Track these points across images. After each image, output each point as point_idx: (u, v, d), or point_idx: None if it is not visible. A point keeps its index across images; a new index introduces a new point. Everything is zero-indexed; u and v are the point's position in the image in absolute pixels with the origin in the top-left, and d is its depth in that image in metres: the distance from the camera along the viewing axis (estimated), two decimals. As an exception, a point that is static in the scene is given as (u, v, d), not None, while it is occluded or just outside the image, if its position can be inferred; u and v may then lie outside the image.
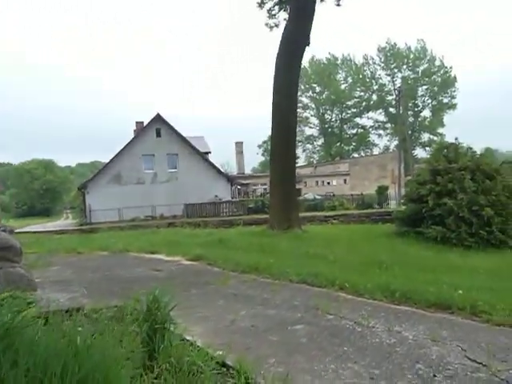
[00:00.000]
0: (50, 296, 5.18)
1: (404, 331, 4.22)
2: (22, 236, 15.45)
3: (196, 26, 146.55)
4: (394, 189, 33.10)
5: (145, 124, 36.63)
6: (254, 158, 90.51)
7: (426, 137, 71.68)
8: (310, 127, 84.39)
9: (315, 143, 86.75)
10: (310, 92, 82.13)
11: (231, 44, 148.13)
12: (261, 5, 14.06)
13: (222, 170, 48.37)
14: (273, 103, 12.79)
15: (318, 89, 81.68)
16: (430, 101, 71.85)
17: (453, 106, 69.05)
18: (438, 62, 69.27)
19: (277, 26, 14.89)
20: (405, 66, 72.39)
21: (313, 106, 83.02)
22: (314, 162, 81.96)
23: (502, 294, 5.23)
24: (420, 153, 70.35)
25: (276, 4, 14.89)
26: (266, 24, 15.05)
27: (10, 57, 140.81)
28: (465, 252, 8.68)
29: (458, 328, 4.33)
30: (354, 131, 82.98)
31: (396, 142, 63.32)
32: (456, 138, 11.45)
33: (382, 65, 75.05)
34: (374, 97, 77.65)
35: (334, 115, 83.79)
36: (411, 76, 71.97)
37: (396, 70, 73.76)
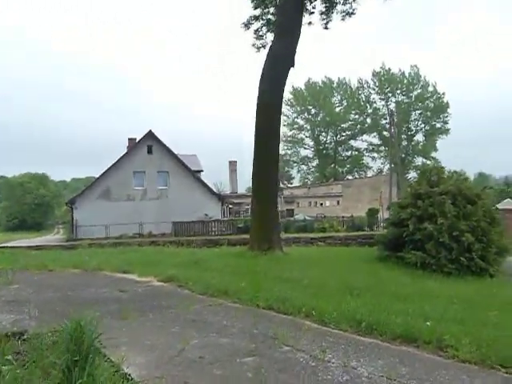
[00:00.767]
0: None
1: (360, 367, 3.90)
2: (-2, 251, 14.99)
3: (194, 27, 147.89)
4: (383, 212, 32.95)
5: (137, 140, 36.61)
6: (250, 177, 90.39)
7: (419, 161, 72.07)
8: (305, 148, 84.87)
9: (310, 164, 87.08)
10: (306, 114, 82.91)
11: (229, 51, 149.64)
12: (247, 25, 14.13)
13: (214, 188, 48.25)
14: (256, 125, 12.67)
15: (313, 111, 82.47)
16: (423, 125, 72.65)
17: (445, 131, 69.79)
18: (431, 88, 70.33)
19: (264, 46, 14.91)
20: (398, 91, 73.43)
21: (308, 127, 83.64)
22: (309, 182, 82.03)
23: (471, 326, 4.93)
24: (414, 176, 70.62)
25: (263, 25, 14.96)
26: (253, 45, 15.07)
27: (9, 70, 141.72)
28: (444, 279, 8.39)
29: (420, 364, 4.01)
30: (349, 153, 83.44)
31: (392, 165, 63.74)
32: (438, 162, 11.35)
33: (377, 89, 76.10)
34: (369, 120, 78.46)
35: (328, 137, 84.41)
36: (405, 101, 72.95)
37: (390, 95, 74.78)
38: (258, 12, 14.15)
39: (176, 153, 36.48)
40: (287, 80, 12.96)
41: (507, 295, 6.70)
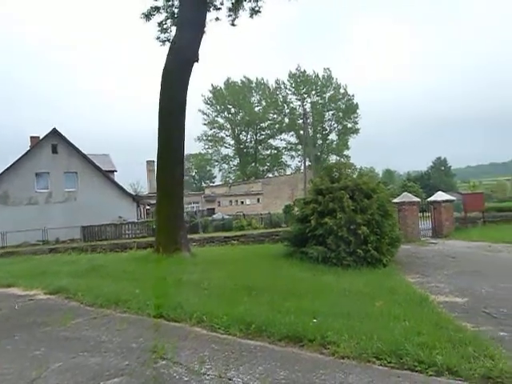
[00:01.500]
0: None
1: (237, 376, 3.64)
2: None
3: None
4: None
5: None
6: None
7: (333, 158, 75.97)
8: (226, 147, 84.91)
9: (231, 163, 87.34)
10: (226, 113, 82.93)
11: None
12: (148, 16, 13.39)
13: (131, 189, 46.06)
14: (159, 122, 12.03)
15: (233, 110, 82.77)
16: (336, 125, 76.69)
17: (356, 131, 74.43)
18: (342, 90, 74.47)
19: (169, 40, 14.25)
20: (313, 92, 76.65)
21: (228, 126, 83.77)
22: (230, 181, 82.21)
23: (355, 320, 4.96)
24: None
25: (168, 18, 14.31)
26: (158, 38, 14.35)
27: None
28: (342, 272, 8.61)
29: (300, 366, 3.87)
30: (268, 152, 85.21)
31: (307, 163, 66.32)
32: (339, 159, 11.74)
33: (293, 90, 78.65)
34: (287, 120, 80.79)
35: (249, 136, 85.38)
36: (319, 101, 76.35)
37: (305, 96, 77.76)
38: (160, 3, 13.49)
39: (86, 152, 34.08)
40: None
41: (392, 285, 6.99)
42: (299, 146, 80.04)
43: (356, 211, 9.59)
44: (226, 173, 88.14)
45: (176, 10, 14.24)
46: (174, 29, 14.25)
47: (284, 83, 79.01)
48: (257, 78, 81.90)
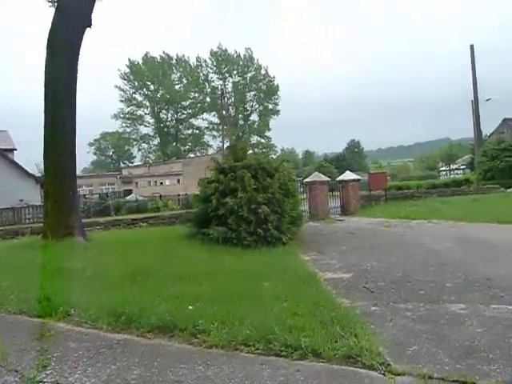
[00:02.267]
0: None
1: (79, 381, 3.14)
2: None
3: None
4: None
5: None
6: (85, 158, 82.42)
7: (255, 139, 76.54)
8: (146, 126, 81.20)
9: (151, 142, 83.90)
10: (145, 89, 78.91)
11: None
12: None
13: (36, 169, 41.87)
14: (45, 92, 10.68)
15: (152, 87, 79.00)
16: (257, 106, 77.03)
17: (276, 112, 75.50)
18: (263, 71, 74.71)
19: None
20: (235, 72, 75.87)
21: (147, 104, 79.94)
22: (150, 161, 79.07)
23: (236, 303, 4.67)
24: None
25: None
26: (46, -4, 12.67)
27: None
28: (242, 252, 8.42)
29: (162, 361, 3.49)
30: (190, 132, 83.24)
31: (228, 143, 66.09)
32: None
33: (215, 68, 77.14)
34: (208, 99, 79.24)
35: (169, 115, 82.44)
36: (241, 81, 75.88)
37: (227, 75, 76.73)
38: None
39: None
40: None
41: (286, 264, 6.92)
42: (221, 126, 79.34)
43: (258, 190, 9.40)
44: (145, 153, 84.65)
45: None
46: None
47: (205, 61, 77.15)
48: (177, 55, 78.88)
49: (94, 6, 11.19)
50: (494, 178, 24.58)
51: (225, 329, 3.94)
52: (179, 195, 33.55)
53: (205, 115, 79.90)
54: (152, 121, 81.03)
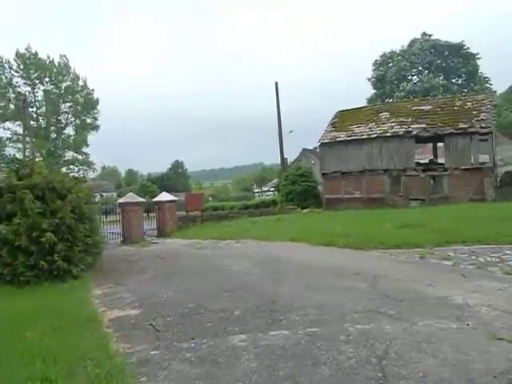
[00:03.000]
0: None
1: None
2: None
3: None
4: None
5: None
6: None
7: (70, 154, 69.23)
8: None
9: None
10: None
11: None
12: None
13: None
14: None
15: None
16: (73, 119, 70.11)
17: (96, 128, 70.11)
18: (81, 82, 68.79)
19: None
20: (47, 79, 67.61)
21: None
22: None
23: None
24: (63, 170, 67.19)
25: None
26: None
27: None
28: (17, 290, 6.86)
29: None
30: (-14, 142, 69.61)
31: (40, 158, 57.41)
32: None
33: (21, 72, 67.12)
34: (12, 106, 68.03)
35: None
36: (54, 90, 68.01)
37: (37, 81, 67.72)
38: None
39: None
40: None
41: (65, 305, 5.82)
42: (28, 138, 69.03)
43: (44, 214, 7.92)
44: None
45: None
46: None
47: (9, 62, 66.36)
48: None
49: None
50: (293, 200, 27.85)
51: None
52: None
53: (7, 124, 68.21)
54: None
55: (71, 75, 68.85)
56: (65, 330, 4.72)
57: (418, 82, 55.84)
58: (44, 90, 68.79)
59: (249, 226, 18.72)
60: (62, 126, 69.93)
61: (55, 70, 68.82)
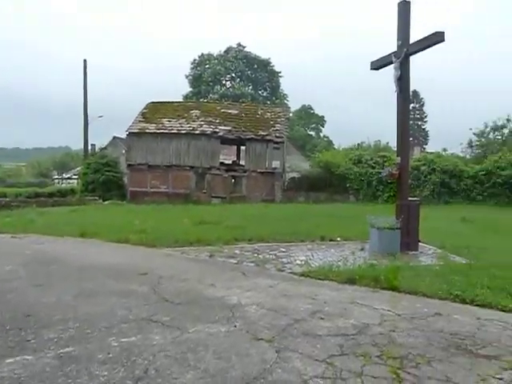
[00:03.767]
0: None
1: None
2: None
3: None
4: None
5: None
6: None
7: None
8: None
9: None
10: None
11: None
12: None
13: None
14: None
15: None
16: None
17: None
18: None
19: None
20: None
21: None
22: None
23: None
24: None
25: None
26: None
27: None
28: None
29: None
30: None
31: None
32: None
33: None
34: None
35: None
36: None
37: None
38: None
39: None
40: None
41: None
42: None
43: None
44: None
45: None
46: None
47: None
48: None
49: None
50: (95, 190, 25.62)
51: None
52: None
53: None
54: None
55: None
56: None
57: (230, 87, 59.68)
58: None
59: (35, 217, 16.23)
60: None
61: None
